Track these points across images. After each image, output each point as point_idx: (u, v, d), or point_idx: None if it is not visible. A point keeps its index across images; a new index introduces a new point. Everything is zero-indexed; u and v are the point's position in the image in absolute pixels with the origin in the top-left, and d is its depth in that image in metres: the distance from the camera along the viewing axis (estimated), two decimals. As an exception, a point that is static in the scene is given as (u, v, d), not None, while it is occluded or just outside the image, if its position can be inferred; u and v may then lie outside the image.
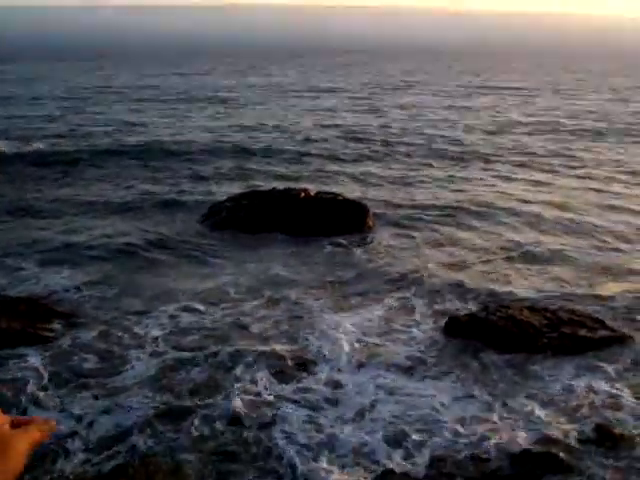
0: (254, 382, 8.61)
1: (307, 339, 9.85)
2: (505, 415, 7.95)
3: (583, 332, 9.73)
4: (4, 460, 1.26)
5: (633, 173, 21.28)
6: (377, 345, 9.79)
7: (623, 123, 32.49)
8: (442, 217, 16.36)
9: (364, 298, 11.45)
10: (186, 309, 10.80)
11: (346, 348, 9.56)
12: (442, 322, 10.31)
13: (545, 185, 19.80)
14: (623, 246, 14.23)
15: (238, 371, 8.83)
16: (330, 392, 8.45)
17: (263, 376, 8.75)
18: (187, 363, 9.03)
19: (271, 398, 8.23)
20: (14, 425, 1.34)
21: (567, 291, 11.74)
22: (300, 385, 8.59)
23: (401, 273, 12.59)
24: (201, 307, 10.90)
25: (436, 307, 11.12)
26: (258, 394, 8.35)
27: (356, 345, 9.69)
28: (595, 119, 33.97)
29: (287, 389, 8.47)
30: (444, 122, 32.43)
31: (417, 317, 10.71)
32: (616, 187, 19.52)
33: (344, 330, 10.12)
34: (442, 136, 28.06)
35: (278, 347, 9.58)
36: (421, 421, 7.77)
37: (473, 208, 16.93)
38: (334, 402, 8.22)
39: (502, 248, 14.13)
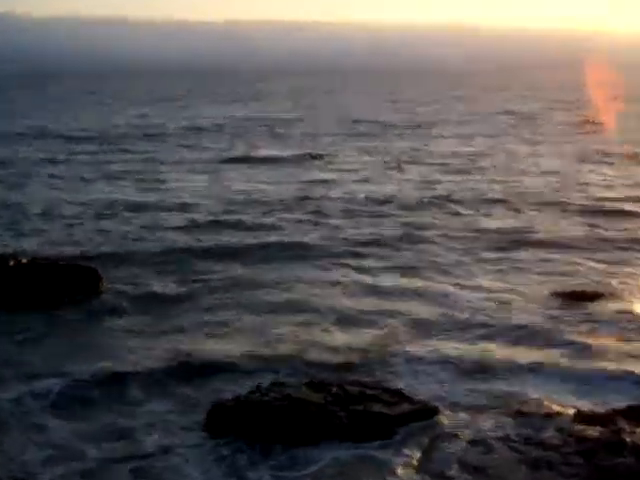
0: None
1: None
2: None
3: (378, 408, 9.26)
4: None
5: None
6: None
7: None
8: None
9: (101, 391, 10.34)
10: None
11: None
12: (202, 412, 9.38)
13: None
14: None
15: None
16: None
17: None
18: None
19: None
20: None
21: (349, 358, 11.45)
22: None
23: (144, 346, 11.81)
24: None
25: (195, 391, 10.28)
26: None
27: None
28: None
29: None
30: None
31: (169, 407, 9.73)
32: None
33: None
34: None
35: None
36: None
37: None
38: None
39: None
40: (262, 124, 55.98)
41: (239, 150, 39.83)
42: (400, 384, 10.27)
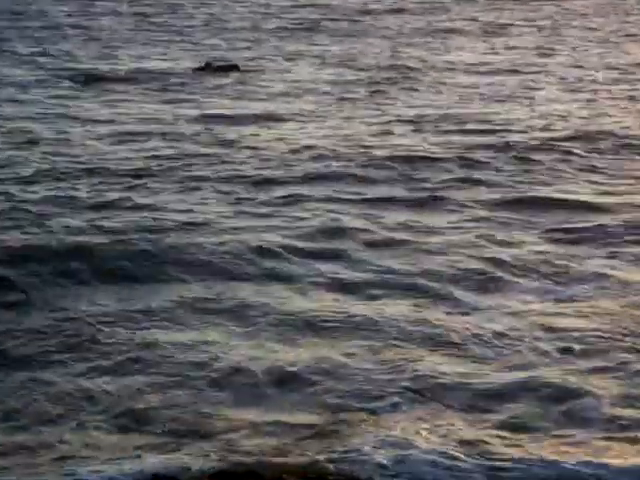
0: None
1: None
2: None
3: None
4: None
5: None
6: None
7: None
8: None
9: None
10: None
11: None
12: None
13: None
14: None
15: None
16: None
17: None
18: None
19: None
20: None
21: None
22: None
23: None
24: None
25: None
26: None
27: None
28: None
29: None
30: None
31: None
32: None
33: None
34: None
35: None
36: None
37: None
38: None
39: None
40: (129, 10, 56.58)
41: (88, 59, 40.76)
42: (378, 474, 10.69)
